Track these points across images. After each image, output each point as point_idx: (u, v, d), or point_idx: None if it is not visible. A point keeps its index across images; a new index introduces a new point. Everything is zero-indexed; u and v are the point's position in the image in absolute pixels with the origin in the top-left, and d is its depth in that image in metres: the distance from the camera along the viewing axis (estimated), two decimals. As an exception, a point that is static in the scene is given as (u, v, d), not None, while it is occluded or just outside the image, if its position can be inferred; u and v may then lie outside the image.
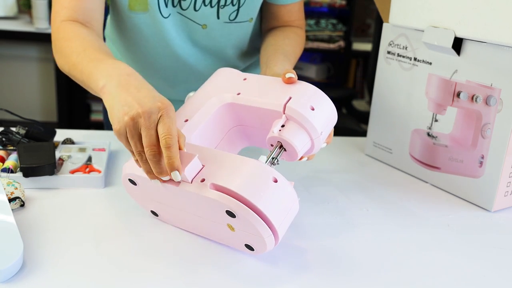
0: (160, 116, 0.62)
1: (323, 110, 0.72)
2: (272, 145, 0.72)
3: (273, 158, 0.71)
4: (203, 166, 0.64)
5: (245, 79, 0.76)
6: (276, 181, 0.63)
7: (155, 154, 0.62)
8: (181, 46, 0.98)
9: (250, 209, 0.60)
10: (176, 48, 0.98)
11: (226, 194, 0.60)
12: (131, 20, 0.93)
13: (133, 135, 0.63)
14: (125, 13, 0.92)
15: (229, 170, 0.62)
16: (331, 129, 0.75)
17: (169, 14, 0.92)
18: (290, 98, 0.70)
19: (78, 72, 0.77)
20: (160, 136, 0.61)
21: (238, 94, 0.73)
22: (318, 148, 0.73)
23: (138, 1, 0.89)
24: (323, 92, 0.72)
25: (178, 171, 0.61)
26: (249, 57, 1.09)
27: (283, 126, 0.69)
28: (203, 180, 0.62)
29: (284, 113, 0.69)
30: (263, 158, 0.69)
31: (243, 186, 0.60)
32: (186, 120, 0.72)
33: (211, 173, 0.63)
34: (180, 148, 0.63)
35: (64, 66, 0.82)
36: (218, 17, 0.94)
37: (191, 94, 0.80)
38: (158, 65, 1.03)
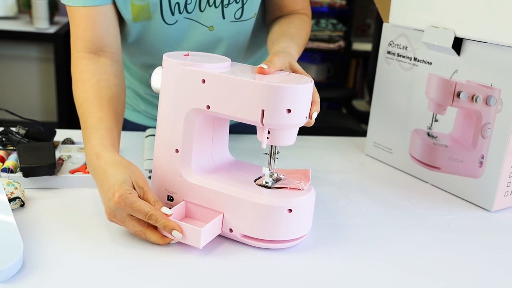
0: (125, 209, 0.68)
1: (300, 104, 0.68)
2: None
3: (272, 155, 0.73)
4: (222, 213, 0.72)
5: (203, 81, 0.70)
6: (291, 210, 0.69)
7: (143, 235, 0.69)
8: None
9: (279, 243, 0.71)
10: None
11: (256, 240, 0.71)
12: (134, 28, 0.93)
13: (122, 224, 0.71)
14: (128, 23, 0.93)
15: (249, 217, 0.70)
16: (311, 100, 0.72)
17: (176, 21, 0.92)
18: (263, 111, 0.67)
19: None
20: (142, 219, 0.68)
21: (208, 107, 0.70)
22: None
23: (141, 13, 0.90)
24: (294, 85, 0.67)
25: (176, 229, 0.68)
26: (251, 53, 1.09)
27: (269, 132, 0.69)
28: (231, 230, 0.72)
29: (263, 126, 0.68)
30: (266, 170, 0.73)
31: (268, 232, 0.70)
32: (177, 151, 0.74)
33: (234, 222, 0.71)
34: (170, 216, 0.69)
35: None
36: (223, 17, 0.94)
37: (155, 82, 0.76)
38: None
